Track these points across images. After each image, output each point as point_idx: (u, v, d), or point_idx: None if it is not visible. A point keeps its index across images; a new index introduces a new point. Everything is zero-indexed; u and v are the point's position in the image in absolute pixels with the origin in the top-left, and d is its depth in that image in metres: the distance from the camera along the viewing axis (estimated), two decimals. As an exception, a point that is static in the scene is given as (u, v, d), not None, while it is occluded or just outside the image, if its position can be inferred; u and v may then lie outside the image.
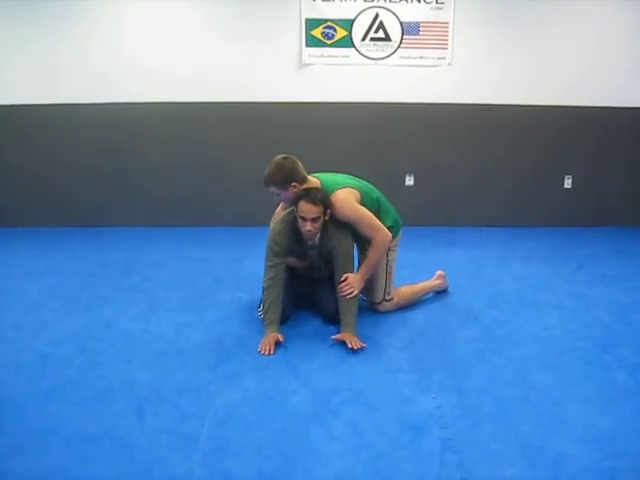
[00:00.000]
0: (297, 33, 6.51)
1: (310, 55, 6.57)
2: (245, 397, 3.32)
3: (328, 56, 6.57)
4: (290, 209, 4.21)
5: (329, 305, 4.24)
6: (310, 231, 4.03)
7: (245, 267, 5.45)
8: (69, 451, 2.83)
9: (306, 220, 3.99)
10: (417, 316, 4.45)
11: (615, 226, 7.09)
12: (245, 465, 2.74)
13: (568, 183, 7.03)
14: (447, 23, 6.52)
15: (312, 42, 6.53)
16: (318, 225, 4.05)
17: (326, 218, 4.08)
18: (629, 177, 7.10)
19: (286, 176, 4.06)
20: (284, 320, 4.21)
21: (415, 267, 4.89)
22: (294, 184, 4.07)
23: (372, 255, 4.21)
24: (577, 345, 3.99)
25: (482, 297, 4.85)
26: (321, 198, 4.02)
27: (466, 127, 6.83)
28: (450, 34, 6.56)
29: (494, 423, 3.08)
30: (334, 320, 4.21)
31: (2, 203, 6.89)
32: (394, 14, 6.49)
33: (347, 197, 4.14)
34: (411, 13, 6.49)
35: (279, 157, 4.15)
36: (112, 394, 3.34)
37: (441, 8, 6.46)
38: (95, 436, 2.94)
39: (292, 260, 4.31)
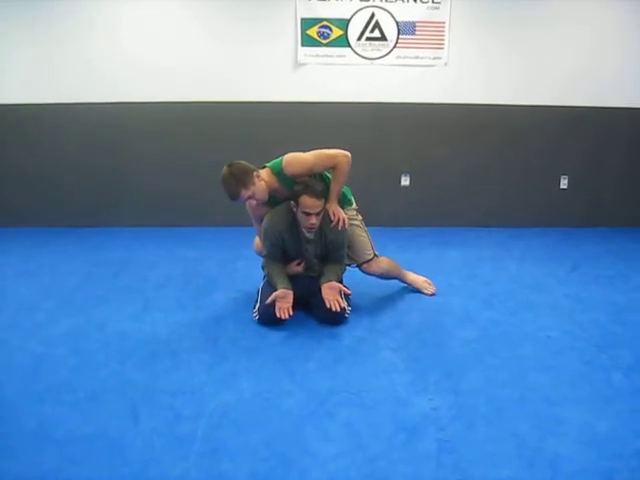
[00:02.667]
0: (293, 32, 6.50)
1: (306, 55, 6.56)
2: (240, 398, 3.31)
3: (324, 56, 6.56)
4: (283, 204, 4.22)
5: (323, 306, 4.22)
6: (314, 224, 4.07)
7: (239, 267, 5.45)
8: (63, 452, 2.81)
9: (311, 214, 4.02)
10: (412, 317, 4.44)
11: (610, 227, 7.09)
12: (240, 467, 2.73)
13: (564, 183, 7.04)
14: (443, 23, 6.52)
15: (308, 42, 6.51)
16: (320, 217, 4.09)
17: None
18: (624, 178, 7.10)
19: (244, 173, 4.08)
20: (276, 323, 4.20)
21: (411, 267, 4.87)
22: (255, 174, 4.11)
23: (338, 178, 4.28)
24: (573, 345, 3.99)
25: (477, 297, 4.85)
26: (322, 190, 4.06)
27: (462, 127, 6.82)
28: (446, 34, 6.55)
29: (490, 424, 3.08)
30: (330, 322, 4.23)
31: (-6, 203, 6.88)
32: (390, 14, 6.48)
33: (292, 154, 4.22)
34: (407, 13, 6.48)
35: (224, 169, 4.13)
36: (106, 395, 3.32)
37: (437, 8, 6.45)
38: (89, 437, 2.93)
39: (292, 268, 4.34)
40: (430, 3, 6.45)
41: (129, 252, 6.00)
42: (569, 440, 2.94)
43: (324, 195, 4.08)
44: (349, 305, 4.35)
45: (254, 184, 4.08)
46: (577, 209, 7.16)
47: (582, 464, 2.76)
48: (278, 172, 4.20)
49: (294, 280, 4.36)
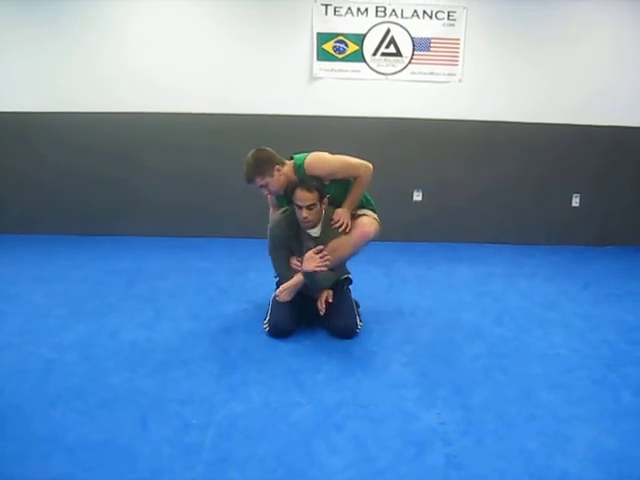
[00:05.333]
0: (308, 47, 6.54)
1: (321, 69, 6.61)
2: (249, 409, 3.31)
3: (339, 70, 6.61)
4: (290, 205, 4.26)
5: (336, 320, 4.24)
6: (306, 218, 4.09)
7: (250, 278, 5.47)
8: (72, 459, 2.81)
9: (302, 208, 4.06)
10: (422, 331, 4.43)
11: (621, 246, 7.08)
12: (248, 477, 2.73)
13: (576, 202, 7.04)
14: (458, 39, 6.56)
15: (323, 56, 6.56)
16: (315, 213, 4.12)
17: (323, 207, 4.18)
18: (636, 197, 7.10)
19: (266, 162, 4.17)
20: (286, 335, 4.23)
21: (422, 282, 4.87)
22: (277, 167, 4.17)
23: (357, 189, 4.32)
24: (583, 364, 3.98)
25: (488, 314, 4.84)
26: (316, 185, 4.09)
27: (476, 144, 6.84)
28: (461, 51, 6.59)
29: (498, 440, 3.07)
30: (341, 335, 4.23)
31: (8, 210, 6.93)
32: (405, 30, 6.52)
33: (318, 154, 4.29)
34: (422, 29, 6.53)
35: (251, 151, 4.25)
36: (116, 402, 3.33)
37: (452, 24, 6.49)
38: (98, 444, 2.93)
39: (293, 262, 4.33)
40: (446, 20, 6.49)
41: (141, 261, 6.03)
42: (577, 458, 2.92)
43: (318, 190, 4.08)
44: (360, 320, 4.36)
45: (272, 176, 4.15)
46: (589, 227, 7.16)
47: (590, 482, 2.75)
48: (299, 167, 4.23)
49: (302, 296, 4.39)
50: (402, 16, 6.51)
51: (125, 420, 3.16)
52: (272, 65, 6.62)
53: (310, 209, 4.07)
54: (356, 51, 6.57)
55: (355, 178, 4.28)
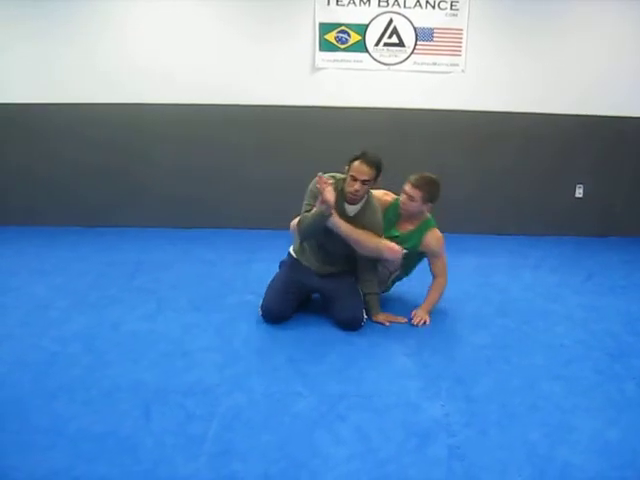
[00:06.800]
0: (311, 37, 6.52)
1: (323, 59, 6.58)
2: (252, 400, 3.31)
3: (341, 60, 6.58)
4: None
5: (343, 311, 4.25)
6: (357, 191, 4.07)
7: (253, 270, 5.45)
8: (74, 450, 2.82)
9: (357, 180, 4.03)
10: (427, 322, 4.42)
11: (625, 237, 7.07)
12: (251, 468, 2.73)
13: (579, 192, 7.02)
14: (461, 30, 6.52)
15: (326, 46, 6.53)
16: (365, 188, 4.11)
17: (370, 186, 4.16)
18: (639, 187, 7.07)
19: (434, 195, 4.48)
20: (278, 320, 4.28)
21: (425, 273, 4.84)
22: (431, 205, 4.55)
23: (434, 294, 4.54)
24: (586, 354, 3.97)
25: (491, 305, 4.84)
26: (377, 162, 4.08)
27: (478, 134, 6.82)
28: (464, 41, 6.55)
29: (501, 431, 3.07)
30: (346, 326, 4.24)
31: (10, 202, 6.92)
32: (408, 20, 6.49)
33: (441, 236, 4.59)
34: (425, 19, 6.49)
35: (433, 175, 4.53)
36: (118, 394, 3.33)
37: (455, 15, 6.46)
38: (100, 435, 2.94)
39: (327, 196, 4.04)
40: (448, 10, 6.45)
41: (143, 253, 6.02)
42: (580, 449, 2.93)
43: (377, 167, 4.08)
44: (366, 314, 4.36)
45: (425, 203, 4.48)
46: (592, 218, 7.13)
47: (593, 473, 2.75)
48: (429, 222, 4.63)
49: (306, 277, 4.40)
50: (405, 6, 6.47)
51: (127, 411, 3.16)
52: (274, 55, 6.59)
53: (364, 184, 4.06)
54: (358, 41, 6.54)
55: (435, 277, 4.58)
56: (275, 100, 6.68)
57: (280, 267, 4.59)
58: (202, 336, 4.12)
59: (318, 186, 3.99)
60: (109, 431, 2.98)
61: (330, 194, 3.97)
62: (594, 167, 6.99)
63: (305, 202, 4.21)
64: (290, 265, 4.51)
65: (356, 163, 4.04)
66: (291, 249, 4.56)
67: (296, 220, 4.36)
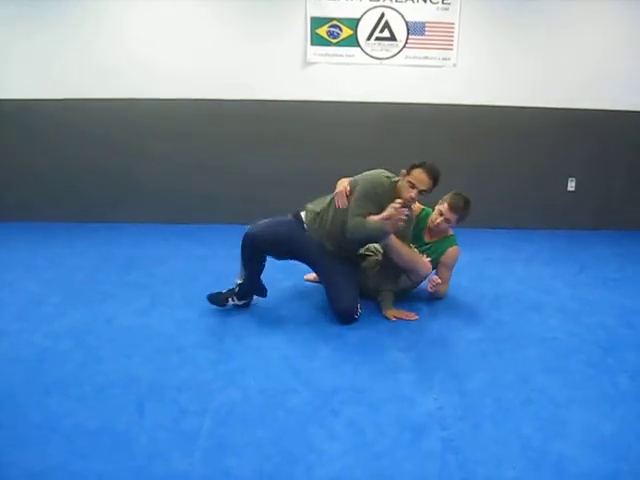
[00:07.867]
0: (302, 31, 6.51)
1: (315, 54, 6.57)
2: (246, 395, 3.31)
3: (333, 55, 6.57)
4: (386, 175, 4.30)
5: (337, 301, 4.27)
6: (413, 199, 4.13)
7: (247, 265, 5.44)
8: (68, 446, 2.82)
9: (415, 188, 4.08)
10: (419, 316, 4.43)
11: (618, 230, 7.09)
12: (245, 463, 2.73)
13: (572, 186, 7.04)
14: (453, 24, 6.52)
15: (317, 41, 6.52)
16: (419, 197, 4.18)
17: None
18: (632, 181, 7.10)
19: (466, 217, 4.64)
20: (254, 246, 4.35)
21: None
22: (459, 222, 4.63)
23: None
24: (580, 348, 3.99)
25: (485, 298, 4.85)
26: (437, 174, 4.14)
27: (470, 128, 6.83)
28: (455, 35, 6.55)
29: (495, 424, 3.07)
30: (339, 317, 4.26)
31: (3, 198, 6.88)
32: (400, 14, 6.48)
33: (458, 255, 4.72)
34: (417, 13, 6.49)
35: (466, 197, 4.66)
36: (112, 389, 3.32)
37: (447, 9, 6.45)
38: (95, 431, 2.93)
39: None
40: (440, 4, 6.45)
41: (137, 248, 6.02)
42: (574, 442, 2.94)
43: (436, 180, 4.13)
44: (360, 307, 4.35)
45: (457, 222, 4.66)
46: (585, 212, 7.16)
47: (587, 466, 2.76)
48: (452, 238, 4.78)
49: (314, 247, 4.38)
50: (396, 0, 6.47)
51: (121, 407, 3.16)
52: (266, 50, 6.57)
53: (420, 193, 4.11)
54: (350, 36, 6.53)
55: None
56: (267, 95, 6.67)
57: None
58: (195, 331, 4.11)
59: (393, 209, 4.03)
60: (103, 427, 2.97)
61: (403, 222, 4.09)
62: (586, 161, 7.01)
63: (359, 203, 4.15)
64: (296, 225, 4.42)
65: (417, 171, 4.09)
66: (303, 214, 4.46)
67: (344, 180, 4.39)
